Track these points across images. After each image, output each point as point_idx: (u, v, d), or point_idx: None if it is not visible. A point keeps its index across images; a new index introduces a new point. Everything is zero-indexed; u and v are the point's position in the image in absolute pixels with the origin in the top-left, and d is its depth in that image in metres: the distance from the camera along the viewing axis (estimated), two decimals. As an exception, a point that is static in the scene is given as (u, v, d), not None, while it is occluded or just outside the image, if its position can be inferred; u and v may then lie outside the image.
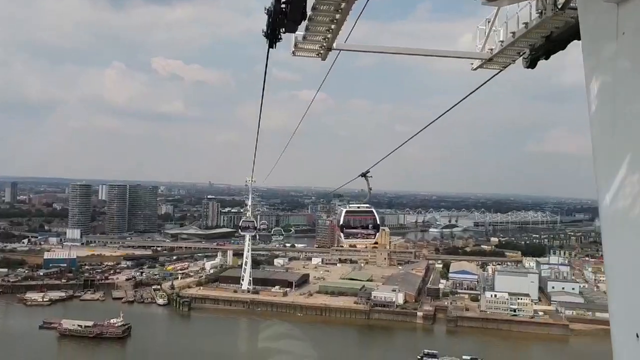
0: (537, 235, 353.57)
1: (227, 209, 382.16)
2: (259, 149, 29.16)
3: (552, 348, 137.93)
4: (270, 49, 9.68)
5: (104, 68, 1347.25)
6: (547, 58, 7.87)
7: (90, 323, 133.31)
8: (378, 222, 21.92)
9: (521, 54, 8.45)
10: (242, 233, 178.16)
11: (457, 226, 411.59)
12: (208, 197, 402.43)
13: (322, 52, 9.40)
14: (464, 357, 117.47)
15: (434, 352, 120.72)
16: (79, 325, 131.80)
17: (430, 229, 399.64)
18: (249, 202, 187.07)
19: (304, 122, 24.90)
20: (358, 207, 22.14)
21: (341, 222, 21.60)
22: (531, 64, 8.10)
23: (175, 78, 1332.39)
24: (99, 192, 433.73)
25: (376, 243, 29.00)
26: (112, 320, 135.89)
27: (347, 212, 21.71)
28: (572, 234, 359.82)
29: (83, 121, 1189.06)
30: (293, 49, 9.44)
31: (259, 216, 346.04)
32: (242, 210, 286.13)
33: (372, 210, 22.18)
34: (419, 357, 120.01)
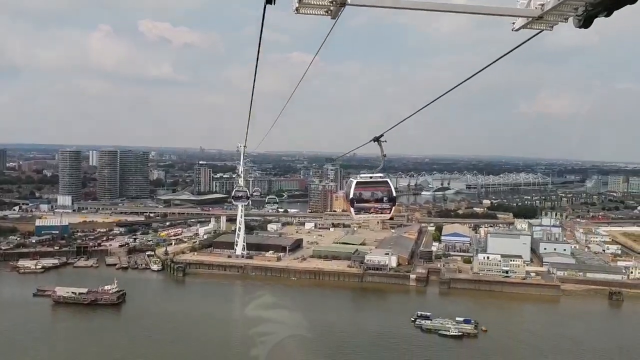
0: (529, 197, 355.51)
1: (219, 175, 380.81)
2: (249, 113, 27.08)
3: (544, 308, 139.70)
4: (268, 5, 8.34)
5: (90, 31, 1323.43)
6: (608, 15, 6.37)
7: (84, 290, 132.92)
8: (394, 194, 19.57)
9: (576, 9, 7.04)
10: (235, 203, 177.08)
11: (449, 189, 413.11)
12: (200, 162, 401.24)
13: (332, 8, 7.90)
14: (457, 318, 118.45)
15: (428, 314, 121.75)
16: (73, 293, 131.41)
17: (423, 192, 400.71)
18: (241, 170, 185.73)
19: (293, 85, 22.89)
20: (370, 178, 19.62)
21: (351, 196, 19.16)
22: (585, 22, 6.65)
23: (163, 41, 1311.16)
24: (89, 158, 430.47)
25: (392, 218, 26.30)
26: (106, 287, 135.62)
27: (357, 183, 19.25)
28: (563, 195, 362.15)
29: (71, 86, 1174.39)
30: (297, 5, 7.83)
31: (251, 182, 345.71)
32: (234, 176, 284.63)
33: (387, 181, 19.70)
34: (412, 318, 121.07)
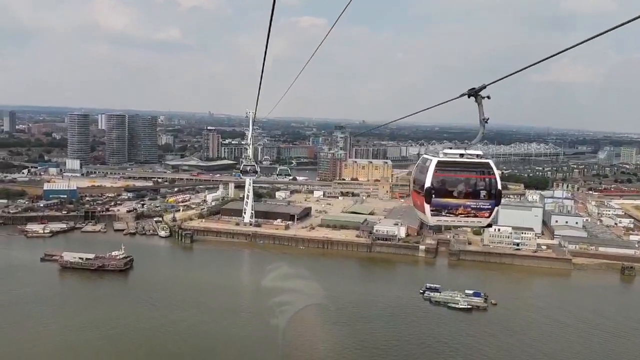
0: (540, 168, 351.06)
1: (227, 141, 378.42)
2: (257, 79, 23.89)
3: (555, 282, 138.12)
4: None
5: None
6: None
7: (91, 255, 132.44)
8: (499, 186, 13.24)
9: None
10: (243, 177, 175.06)
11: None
12: (208, 128, 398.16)
13: None
14: (466, 291, 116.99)
15: (437, 286, 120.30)
16: (80, 258, 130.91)
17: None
18: (250, 137, 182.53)
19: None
20: (461, 156, 13.38)
21: (427, 184, 12.97)
22: None
23: (171, 4, 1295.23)
24: (98, 121, 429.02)
25: (490, 225, 14.46)
26: (114, 253, 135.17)
27: (440, 164, 13.12)
28: (575, 166, 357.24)
29: (80, 49, 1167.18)
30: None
31: (260, 149, 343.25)
32: (243, 142, 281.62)
33: (488, 163, 13.39)
34: (421, 290, 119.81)
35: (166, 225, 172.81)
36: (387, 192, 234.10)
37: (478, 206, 13.09)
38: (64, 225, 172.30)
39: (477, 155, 13.50)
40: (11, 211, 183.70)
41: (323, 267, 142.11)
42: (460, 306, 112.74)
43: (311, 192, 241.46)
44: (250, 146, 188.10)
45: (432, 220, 13.38)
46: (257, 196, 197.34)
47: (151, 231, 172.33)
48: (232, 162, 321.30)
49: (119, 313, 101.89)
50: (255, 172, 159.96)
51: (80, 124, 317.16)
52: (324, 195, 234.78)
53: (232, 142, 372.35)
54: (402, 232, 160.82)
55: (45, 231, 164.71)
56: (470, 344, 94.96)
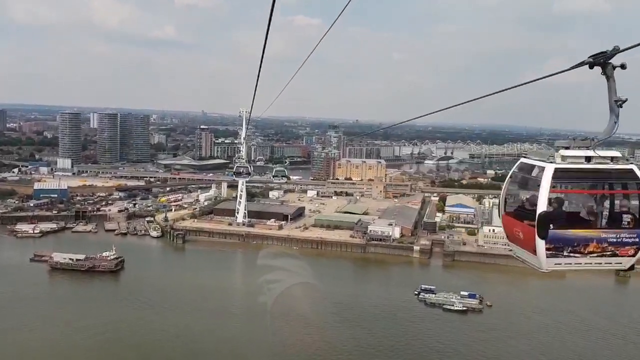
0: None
1: (220, 140, 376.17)
2: (251, 78, 22.54)
3: (549, 283, 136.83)
4: None
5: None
6: None
7: (82, 256, 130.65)
8: None
9: None
10: (236, 179, 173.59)
11: (453, 158, 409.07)
12: (201, 127, 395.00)
13: None
14: (462, 292, 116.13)
15: (432, 287, 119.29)
16: (70, 259, 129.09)
17: (426, 161, 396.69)
18: (244, 136, 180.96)
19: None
20: (588, 160, 9.51)
21: (543, 207, 8.84)
22: None
23: (167, 0, 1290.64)
24: (90, 120, 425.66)
25: (632, 267, 9.26)
26: (104, 254, 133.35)
27: (558, 172, 9.13)
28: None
29: (73, 47, 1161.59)
30: None
31: (253, 149, 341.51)
32: (236, 141, 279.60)
33: (632, 169, 9.49)
34: (416, 292, 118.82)
35: (158, 226, 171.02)
36: (380, 191, 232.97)
37: (619, 239, 8.82)
38: (54, 225, 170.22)
39: (613, 159, 9.70)
40: (0, 211, 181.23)
41: (317, 267, 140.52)
42: (456, 308, 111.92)
43: (305, 191, 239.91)
44: (244, 146, 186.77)
45: (547, 265, 9.01)
46: (250, 195, 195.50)
47: (143, 231, 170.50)
48: (225, 161, 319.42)
49: (109, 315, 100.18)
50: (249, 173, 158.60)
51: (72, 123, 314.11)
52: (317, 194, 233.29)
53: (225, 141, 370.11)
54: (396, 233, 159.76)
55: (35, 231, 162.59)
56: (468, 345, 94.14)
